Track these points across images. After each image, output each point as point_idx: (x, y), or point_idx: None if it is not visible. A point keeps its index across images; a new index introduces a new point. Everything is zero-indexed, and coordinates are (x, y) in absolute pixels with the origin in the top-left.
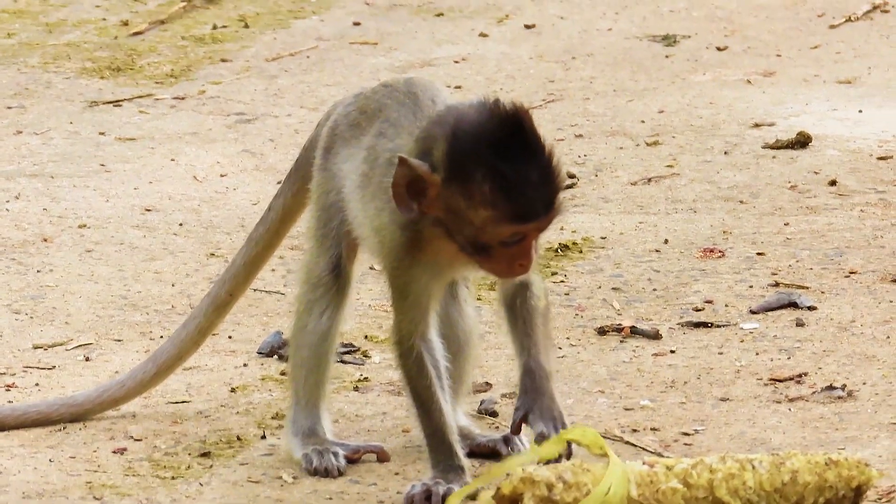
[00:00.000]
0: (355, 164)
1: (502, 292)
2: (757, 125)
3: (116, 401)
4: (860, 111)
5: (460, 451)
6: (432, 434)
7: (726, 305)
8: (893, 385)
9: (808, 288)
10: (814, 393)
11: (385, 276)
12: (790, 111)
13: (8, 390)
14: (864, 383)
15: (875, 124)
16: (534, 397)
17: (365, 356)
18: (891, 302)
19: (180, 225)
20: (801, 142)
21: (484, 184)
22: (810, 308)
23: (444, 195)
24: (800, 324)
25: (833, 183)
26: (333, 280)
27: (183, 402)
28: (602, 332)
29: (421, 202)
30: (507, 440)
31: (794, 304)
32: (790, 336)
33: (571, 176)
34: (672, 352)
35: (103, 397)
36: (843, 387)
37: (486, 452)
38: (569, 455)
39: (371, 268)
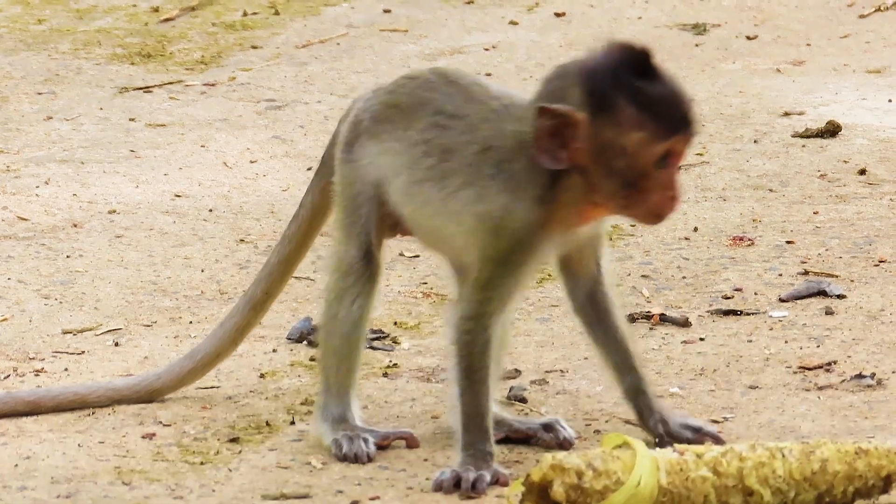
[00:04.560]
0: (404, 158)
1: (576, 288)
2: (786, 114)
3: (152, 393)
4: (889, 100)
5: (493, 439)
6: (473, 416)
7: (755, 293)
8: None
9: (837, 276)
10: (843, 381)
11: (484, 260)
12: (819, 100)
13: (37, 375)
14: (894, 372)
15: None
16: (661, 416)
17: (394, 342)
18: None
19: (210, 211)
20: (831, 131)
21: (630, 107)
22: (839, 296)
23: (591, 133)
24: (829, 312)
25: (863, 172)
26: (364, 268)
27: (212, 387)
28: (632, 319)
29: (567, 149)
30: (547, 427)
31: (823, 293)
32: (819, 324)
33: None
34: (701, 339)
35: (140, 387)
36: (873, 375)
37: (522, 438)
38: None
39: (401, 254)
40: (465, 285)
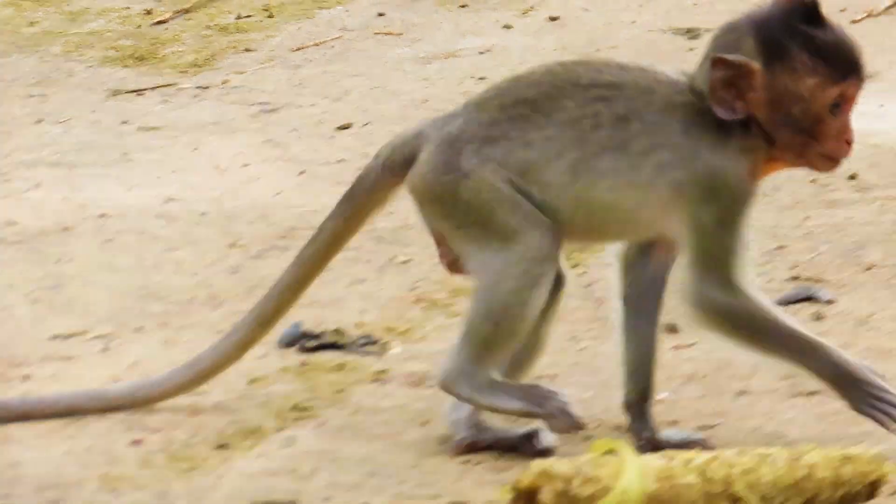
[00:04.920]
0: (563, 139)
1: (638, 274)
2: None
3: (149, 400)
4: (881, 105)
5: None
6: (820, 358)
7: None
8: None
9: (827, 281)
10: None
11: (703, 229)
12: None
13: (24, 381)
14: (882, 377)
15: None
16: (651, 424)
17: (385, 348)
18: None
19: (202, 215)
20: None
21: (803, 53)
22: (829, 302)
23: (766, 82)
24: (818, 317)
25: (853, 177)
26: (556, 253)
27: (201, 393)
28: None
29: (743, 99)
30: (528, 436)
31: (812, 298)
32: (809, 329)
33: None
34: (691, 345)
35: (137, 395)
36: None
37: (508, 446)
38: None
39: (391, 259)
40: (691, 271)
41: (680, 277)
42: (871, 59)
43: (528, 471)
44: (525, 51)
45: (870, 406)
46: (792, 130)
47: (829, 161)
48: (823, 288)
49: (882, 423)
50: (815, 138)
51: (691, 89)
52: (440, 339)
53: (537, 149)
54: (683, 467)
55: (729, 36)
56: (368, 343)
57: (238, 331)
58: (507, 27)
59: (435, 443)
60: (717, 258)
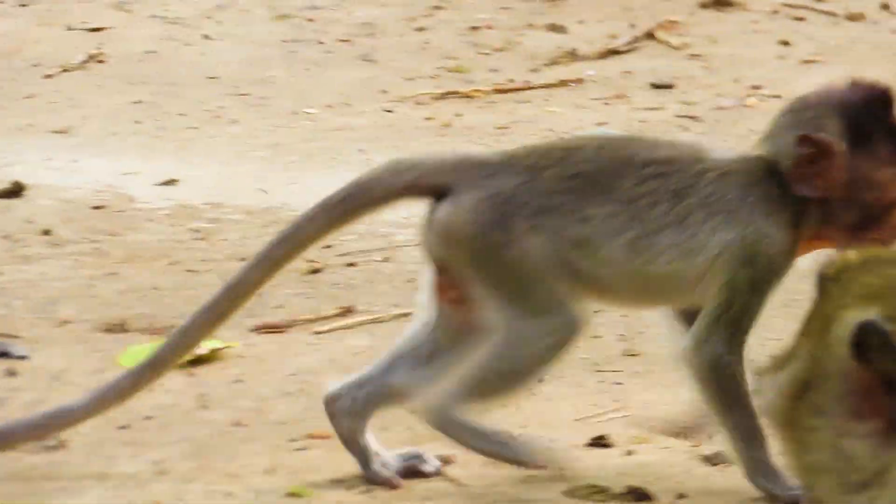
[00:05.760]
0: (621, 217)
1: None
2: None
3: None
4: (75, 161)
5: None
6: (754, 447)
7: None
8: (103, 435)
9: (21, 337)
10: None
11: (731, 291)
12: (4, 161)
13: None
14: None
15: (90, 173)
16: None
17: None
18: (103, 351)
19: None
20: (15, 191)
21: (886, 141)
22: (22, 357)
23: (848, 164)
24: (12, 373)
25: (47, 232)
26: (578, 331)
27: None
28: None
29: (821, 178)
30: (412, 457)
31: (6, 354)
32: (2, 386)
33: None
34: None
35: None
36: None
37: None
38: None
39: None
40: (704, 324)
41: (691, 329)
42: (65, 114)
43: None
44: None
45: (770, 495)
46: (859, 214)
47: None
48: (17, 343)
49: None
50: (877, 224)
51: (757, 158)
52: None
53: (595, 224)
54: None
55: (808, 113)
56: None
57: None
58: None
59: None
60: (732, 318)
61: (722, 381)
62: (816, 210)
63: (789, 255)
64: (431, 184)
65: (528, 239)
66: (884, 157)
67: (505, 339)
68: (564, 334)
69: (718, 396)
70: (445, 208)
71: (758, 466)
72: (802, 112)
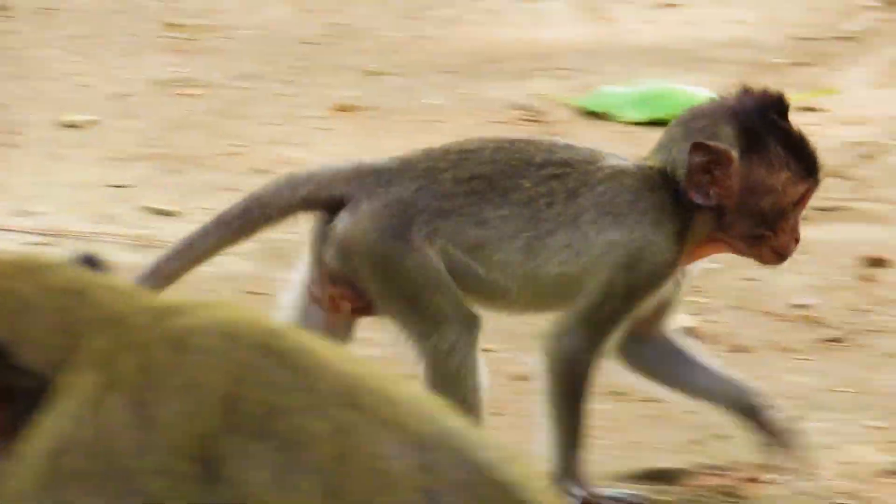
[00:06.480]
0: (520, 218)
1: (635, 343)
2: None
3: None
4: None
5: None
6: (571, 445)
7: None
8: None
9: None
10: None
11: (606, 294)
12: None
13: None
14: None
15: None
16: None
17: None
18: None
19: None
20: None
21: (779, 146)
22: None
23: (741, 170)
24: None
25: None
26: (475, 335)
27: None
28: None
29: (716, 186)
30: None
31: None
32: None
33: None
34: None
35: None
36: None
37: None
38: None
39: None
40: (571, 317)
41: (557, 317)
42: None
43: None
44: None
45: (567, 494)
46: (754, 221)
47: (778, 256)
48: None
49: None
50: (773, 231)
51: (650, 168)
52: None
53: (491, 227)
54: None
55: (702, 121)
56: None
57: None
58: None
59: None
60: (600, 319)
61: (570, 377)
62: (711, 218)
63: (672, 265)
64: (329, 195)
65: (425, 247)
66: (777, 164)
67: (428, 367)
68: (469, 333)
69: (560, 391)
70: (344, 219)
71: (569, 468)
72: (693, 120)
